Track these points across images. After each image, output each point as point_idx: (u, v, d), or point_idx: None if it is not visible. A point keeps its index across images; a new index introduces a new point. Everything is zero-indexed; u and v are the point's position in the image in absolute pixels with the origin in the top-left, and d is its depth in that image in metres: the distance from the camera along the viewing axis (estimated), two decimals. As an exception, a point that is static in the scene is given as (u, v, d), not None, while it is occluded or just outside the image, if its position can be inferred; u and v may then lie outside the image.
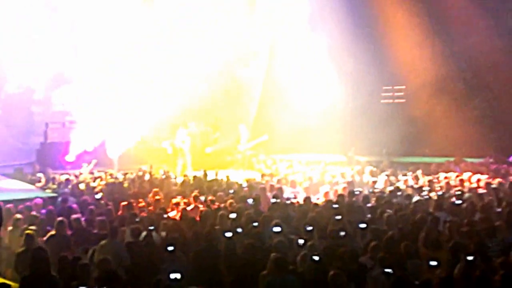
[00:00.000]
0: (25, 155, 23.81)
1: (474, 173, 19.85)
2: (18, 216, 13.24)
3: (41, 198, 16.10)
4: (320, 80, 27.35)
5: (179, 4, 26.39)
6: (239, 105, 28.37)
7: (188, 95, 25.98)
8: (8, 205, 14.27)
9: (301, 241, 10.90)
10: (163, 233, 12.02)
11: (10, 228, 12.40)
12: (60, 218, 12.25)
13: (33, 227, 12.27)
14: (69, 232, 12.24)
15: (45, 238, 11.26)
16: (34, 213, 14.22)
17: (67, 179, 19.74)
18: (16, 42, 23.71)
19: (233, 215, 13.07)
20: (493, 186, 17.07)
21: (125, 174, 21.44)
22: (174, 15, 26.17)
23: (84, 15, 24.79)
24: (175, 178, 20.55)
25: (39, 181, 20.37)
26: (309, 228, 11.37)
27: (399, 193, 16.48)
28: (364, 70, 27.77)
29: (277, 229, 11.32)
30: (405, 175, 20.53)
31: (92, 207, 14.88)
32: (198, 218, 13.25)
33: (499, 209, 13.48)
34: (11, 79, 24.18)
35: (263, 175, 21.19)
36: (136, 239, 11.27)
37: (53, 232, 11.56)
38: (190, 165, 24.36)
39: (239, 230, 11.68)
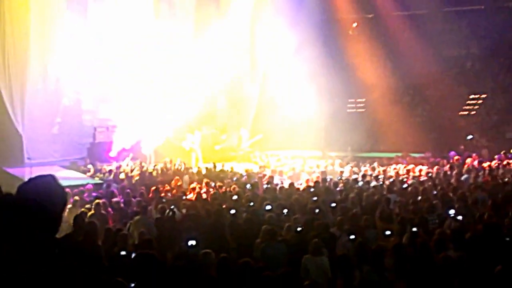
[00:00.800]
0: (78, 151, 23.77)
1: (417, 165, 19.90)
2: (76, 198, 13.32)
3: (91, 184, 16.15)
4: (302, 94, 27.36)
5: (200, 41, 26.45)
6: (240, 113, 28.36)
7: (202, 105, 26.02)
8: (66, 190, 14.26)
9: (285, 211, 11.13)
10: (183, 211, 12.04)
11: (69, 206, 12.39)
12: (97, 201, 12.27)
13: (87, 206, 12.33)
14: (110, 210, 12.27)
15: (89, 215, 11.22)
16: (86, 195, 14.31)
17: (110, 170, 19.78)
18: (70, 66, 23.76)
19: (235, 197, 13.10)
20: (431, 174, 17.11)
21: (154, 165, 21.48)
22: (194, 50, 26.26)
23: (124, 43, 24.95)
24: (191, 169, 20.52)
25: (89, 171, 20.39)
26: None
27: (360, 180, 16.49)
28: (334, 87, 27.76)
29: (268, 207, 11.36)
30: (365, 166, 20.58)
31: (128, 190, 14.90)
32: (209, 199, 13.27)
33: (435, 192, 13.51)
34: (67, 94, 24.15)
35: (259, 167, 21.21)
36: (162, 216, 11.26)
37: (92, 212, 11.55)
38: (201, 159, 24.37)
39: (240, 208, 11.74)
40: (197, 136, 25.62)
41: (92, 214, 11.36)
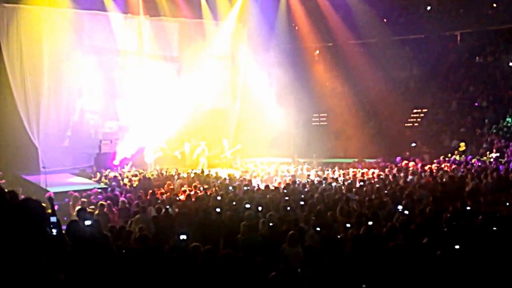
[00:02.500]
0: (86, 161, 23.54)
1: (370, 168, 20.04)
2: (83, 200, 13.25)
3: (98, 189, 16.02)
4: (274, 110, 27.39)
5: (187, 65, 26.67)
6: (223, 126, 28.22)
7: (190, 120, 25.99)
8: (75, 193, 14.18)
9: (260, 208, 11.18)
10: (176, 210, 11.99)
11: (78, 207, 12.26)
12: (101, 202, 12.21)
13: (92, 207, 12.24)
14: (114, 209, 12.19)
15: (95, 214, 11.14)
16: (93, 198, 14.20)
17: (114, 176, 19.62)
18: (78, 89, 23.84)
19: (219, 197, 13.08)
20: (382, 176, 17.25)
21: (151, 172, 21.37)
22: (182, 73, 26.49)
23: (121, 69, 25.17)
24: (182, 174, 20.37)
25: (96, 177, 20.25)
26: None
27: (324, 182, 16.56)
28: (301, 104, 27.86)
29: (247, 206, 11.36)
30: (327, 170, 20.66)
31: (130, 194, 14.82)
32: (198, 200, 13.23)
33: (386, 191, 13.61)
34: (77, 112, 24.11)
35: (240, 172, 21.21)
36: (158, 214, 11.22)
37: (97, 212, 11.48)
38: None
39: (224, 206, 11.73)
40: (186, 146, 25.59)
41: (97, 214, 11.28)
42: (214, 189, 15.43)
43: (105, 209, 11.79)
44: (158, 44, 26.26)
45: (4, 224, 3.16)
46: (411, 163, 20.34)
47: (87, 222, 8.02)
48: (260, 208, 11.23)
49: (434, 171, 17.66)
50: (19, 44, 21.09)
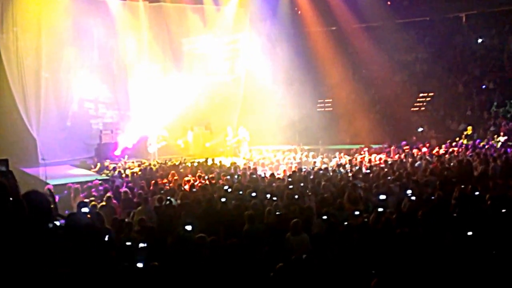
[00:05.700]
0: (87, 152, 23.46)
1: (377, 154, 19.96)
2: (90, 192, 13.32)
3: (98, 180, 15.94)
4: (279, 97, 27.27)
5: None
6: (227, 114, 28.05)
7: (193, 108, 25.92)
8: (76, 185, 14.13)
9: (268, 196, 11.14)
10: (179, 200, 11.93)
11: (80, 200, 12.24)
12: (108, 194, 12.17)
13: (92, 198, 12.21)
14: (115, 202, 12.13)
15: (99, 206, 11.07)
16: (94, 190, 14.14)
17: (115, 167, 19.57)
18: (78, 78, 23.78)
19: (225, 187, 13.02)
20: (389, 162, 17.18)
21: (155, 161, 21.32)
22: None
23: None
24: (186, 164, 20.26)
25: (96, 169, 20.21)
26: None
27: (330, 169, 16.50)
28: (306, 89, 27.70)
29: (253, 194, 11.32)
30: (334, 157, 20.57)
31: (131, 184, 14.79)
32: (201, 190, 13.19)
33: (393, 177, 13.53)
34: (76, 101, 24.04)
35: (247, 160, 21.16)
36: (161, 205, 11.18)
37: (103, 203, 11.41)
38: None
39: (229, 196, 11.69)
40: (189, 135, 25.52)
41: (102, 206, 11.23)
42: (218, 178, 15.37)
43: (112, 201, 11.77)
44: (158, 30, 26.08)
45: (6, 218, 3.16)
46: (415, 150, 20.21)
47: (84, 209, 8.02)
48: (267, 196, 11.20)
49: (442, 155, 17.57)
50: (15, 33, 20.89)
